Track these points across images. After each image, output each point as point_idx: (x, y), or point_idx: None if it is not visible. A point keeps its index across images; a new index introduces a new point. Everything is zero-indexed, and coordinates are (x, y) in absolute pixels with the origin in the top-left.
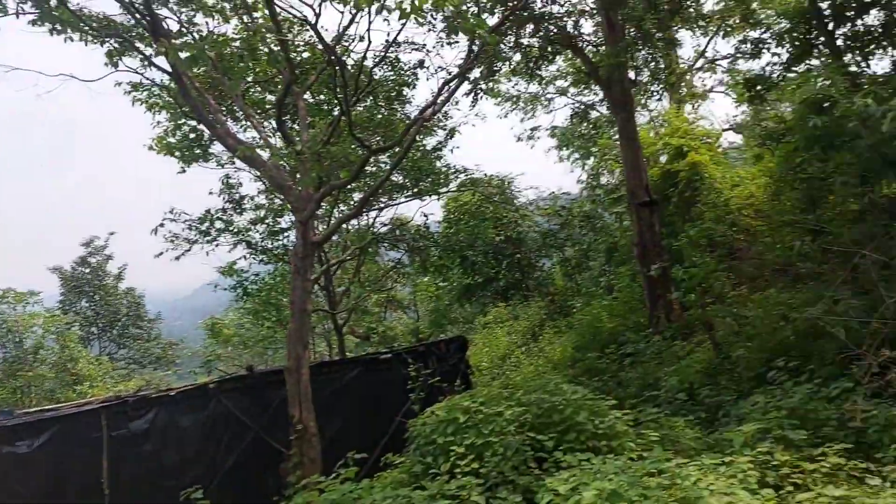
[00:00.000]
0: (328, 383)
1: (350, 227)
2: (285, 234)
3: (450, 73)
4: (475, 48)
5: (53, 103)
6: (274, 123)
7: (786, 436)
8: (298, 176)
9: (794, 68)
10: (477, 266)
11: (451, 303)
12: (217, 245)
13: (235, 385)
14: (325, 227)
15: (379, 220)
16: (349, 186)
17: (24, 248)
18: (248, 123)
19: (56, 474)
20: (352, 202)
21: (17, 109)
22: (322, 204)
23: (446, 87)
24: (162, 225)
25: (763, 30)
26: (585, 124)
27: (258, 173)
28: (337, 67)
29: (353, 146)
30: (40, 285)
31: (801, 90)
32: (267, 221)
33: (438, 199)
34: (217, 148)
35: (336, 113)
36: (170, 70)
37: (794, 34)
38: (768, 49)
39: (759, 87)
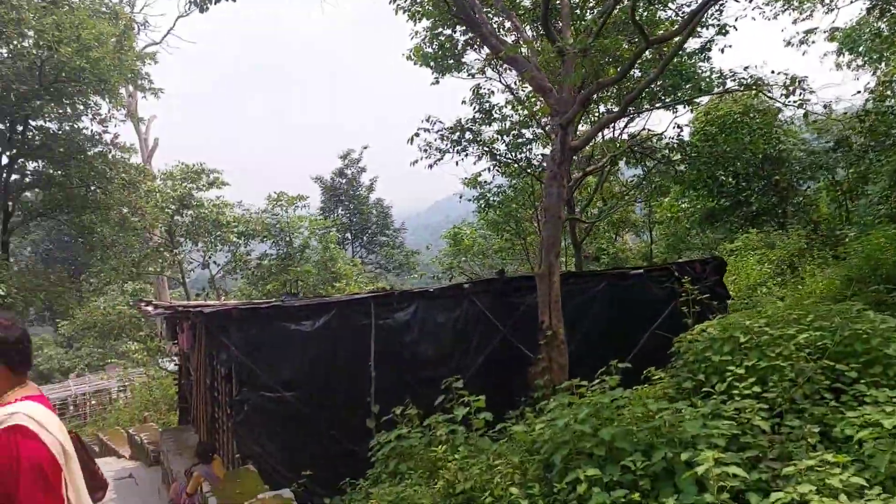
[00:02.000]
0: (574, 294)
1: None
2: (528, 146)
3: None
4: None
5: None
6: (528, 31)
7: None
8: (561, 76)
9: None
10: (725, 188)
11: (691, 227)
12: (466, 155)
13: (486, 288)
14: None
15: (626, 133)
16: (599, 94)
17: (294, 156)
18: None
19: (332, 350)
20: (603, 110)
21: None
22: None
23: None
24: (417, 135)
25: None
26: (886, 19)
27: (506, 84)
28: None
29: (623, 39)
30: (306, 192)
31: None
32: (513, 132)
33: (692, 111)
34: (469, 57)
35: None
36: None
37: None
38: None
39: None
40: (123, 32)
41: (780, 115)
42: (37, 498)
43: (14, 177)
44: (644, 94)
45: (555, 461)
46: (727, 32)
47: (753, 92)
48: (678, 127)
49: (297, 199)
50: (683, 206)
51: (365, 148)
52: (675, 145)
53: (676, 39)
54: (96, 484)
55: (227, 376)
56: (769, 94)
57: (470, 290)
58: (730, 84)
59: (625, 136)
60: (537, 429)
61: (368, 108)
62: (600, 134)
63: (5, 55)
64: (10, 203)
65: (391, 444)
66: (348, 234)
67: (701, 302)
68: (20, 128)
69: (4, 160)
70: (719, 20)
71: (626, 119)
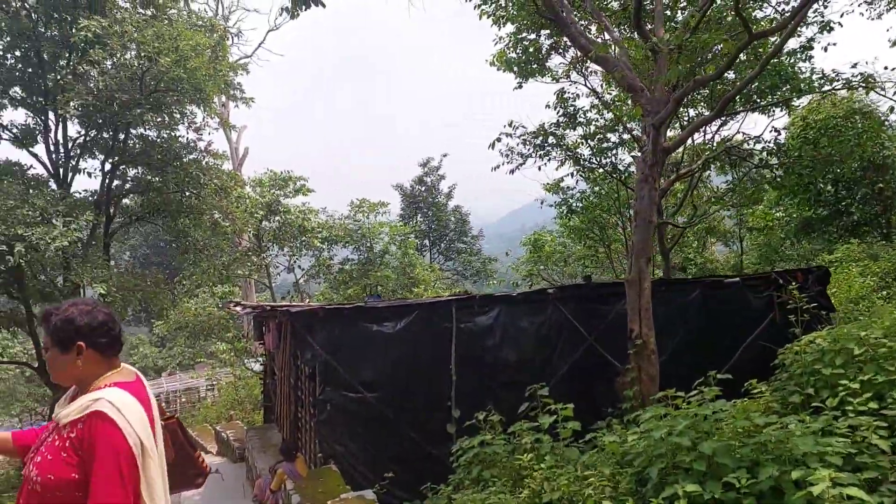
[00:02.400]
0: (665, 302)
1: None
2: (613, 151)
3: None
4: None
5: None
6: (616, 33)
7: None
8: (653, 76)
9: None
10: (823, 196)
11: (785, 237)
12: (549, 160)
13: (572, 294)
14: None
15: (718, 137)
16: (689, 97)
17: (377, 147)
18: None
19: (413, 353)
20: (693, 114)
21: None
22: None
23: None
24: (499, 139)
25: None
26: None
27: (591, 87)
28: None
29: (722, 34)
30: (386, 199)
31: None
32: (598, 136)
33: (789, 114)
34: (553, 62)
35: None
36: None
37: None
38: None
39: None
40: (218, 43)
41: (886, 120)
42: (108, 487)
43: (115, 182)
44: (738, 97)
45: (650, 475)
46: (831, 29)
47: (858, 93)
48: (775, 130)
49: (379, 206)
50: (777, 214)
51: (444, 156)
52: (773, 149)
53: (777, 38)
54: (196, 470)
55: (310, 376)
56: (882, 93)
57: (555, 295)
58: (834, 84)
59: (716, 140)
60: (630, 440)
61: (449, 108)
62: (690, 138)
63: (109, 67)
64: (112, 208)
65: (474, 449)
66: (426, 241)
67: (807, 312)
68: (122, 136)
69: (107, 166)
70: (823, 17)
71: (717, 123)
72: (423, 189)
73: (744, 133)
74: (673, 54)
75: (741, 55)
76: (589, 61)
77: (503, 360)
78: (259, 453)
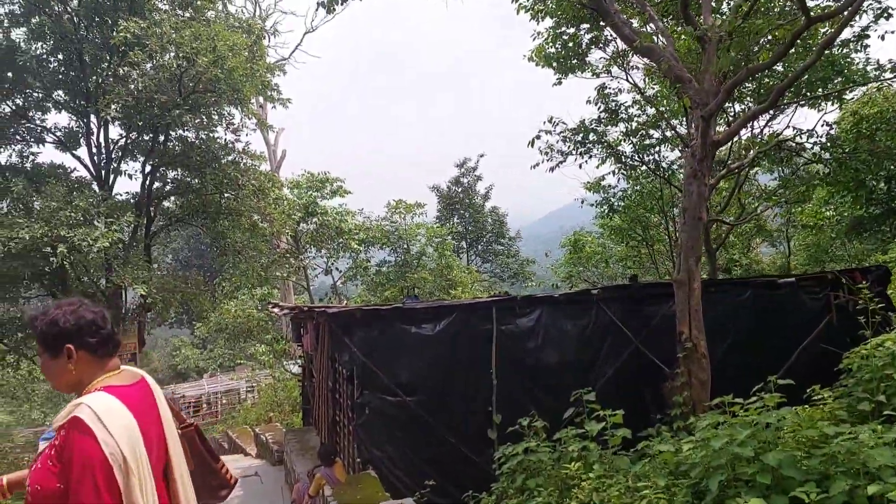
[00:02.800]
0: (715, 304)
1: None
2: (655, 148)
3: None
4: None
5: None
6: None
7: None
8: (702, 66)
9: None
10: (875, 194)
11: (836, 236)
12: (590, 157)
13: (617, 295)
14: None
15: (765, 131)
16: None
17: (408, 166)
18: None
19: (452, 355)
20: (739, 109)
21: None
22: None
23: None
24: (538, 137)
25: None
26: None
27: (632, 82)
28: None
29: (776, 19)
30: (423, 200)
31: None
32: (640, 133)
33: (840, 108)
34: (593, 56)
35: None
36: None
37: None
38: None
39: None
40: (255, 42)
41: None
42: (83, 499)
43: (156, 185)
44: (789, 90)
45: (709, 487)
46: (889, 16)
47: None
48: (827, 125)
49: (415, 207)
50: (828, 213)
51: (481, 156)
52: (826, 144)
53: (829, 27)
54: (218, 482)
55: (348, 378)
56: None
57: (599, 296)
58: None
59: (764, 135)
60: (685, 449)
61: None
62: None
63: (149, 69)
64: (152, 209)
65: (518, 457)
66: (463, 243)
67: (870, 314)
68: (162, 138)
69: (147, 168)
70: (880, 2)
71: (765, 117)
72: (459, 190)
73: (794, 127)
74: (724, 41)
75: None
76: (630, 56)
77: (545, 364)
78: (297, 456)
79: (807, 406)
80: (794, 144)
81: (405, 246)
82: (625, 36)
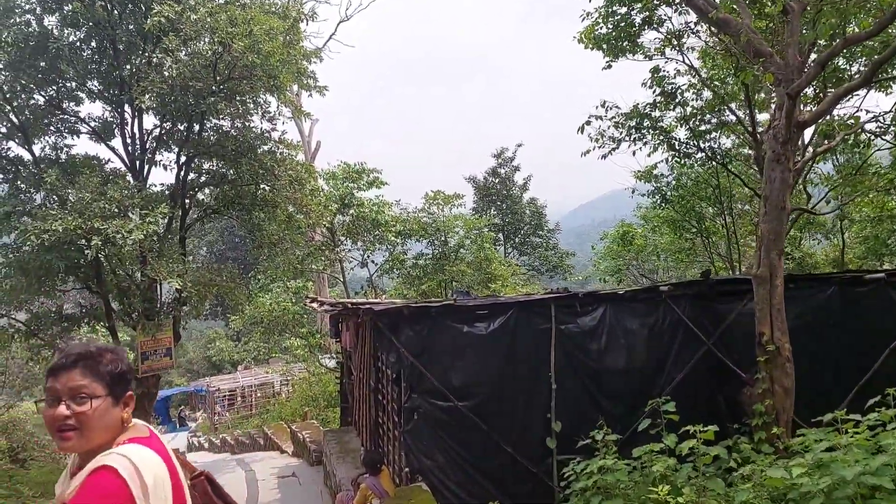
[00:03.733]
0: (793, 301)
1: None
2: (711, 134)
3: None
4: None
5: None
6: None
7: None
8: (785, 39)
9: None
10: None
11: None
12: (644, 144)
13: (686, 292)
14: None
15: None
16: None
17: (447, 155)
18: None
19: (507, 357)
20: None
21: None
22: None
23: None
24: (588, 122)
25: None
26: None
27: (689, 64)
28: None
29: None
30: (458, 192)
31: None
32: (698, 118)
33: None
34: (648, 37)
35: None
36: None
37: None
38: None
39: None
40: (292, 26)
41: None
42: None
43: (191, 175)
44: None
45: None
46: None
47: None
48: None
49: (454, 198)
50: (890, 204)
51: (519, 146)
52: None
53: None
54: None
55: (394, 380)
56: None
57: (668, 293)
58: None
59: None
60: (795, 474)
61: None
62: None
63: (183, 55)
64: (187, 201)
65: (592, 477)
66: (500, 235)
67: None
68: (196, 127)
69: (182, 159)
70: None
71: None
72: (496, 181)
73: (866, 110)
74: (816, 7)
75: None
76: (687, 36)
77: (609, 367)
78: (338, 460)
79: None
80: (875, 128)
81: (443, 238)
82: (696, 6)
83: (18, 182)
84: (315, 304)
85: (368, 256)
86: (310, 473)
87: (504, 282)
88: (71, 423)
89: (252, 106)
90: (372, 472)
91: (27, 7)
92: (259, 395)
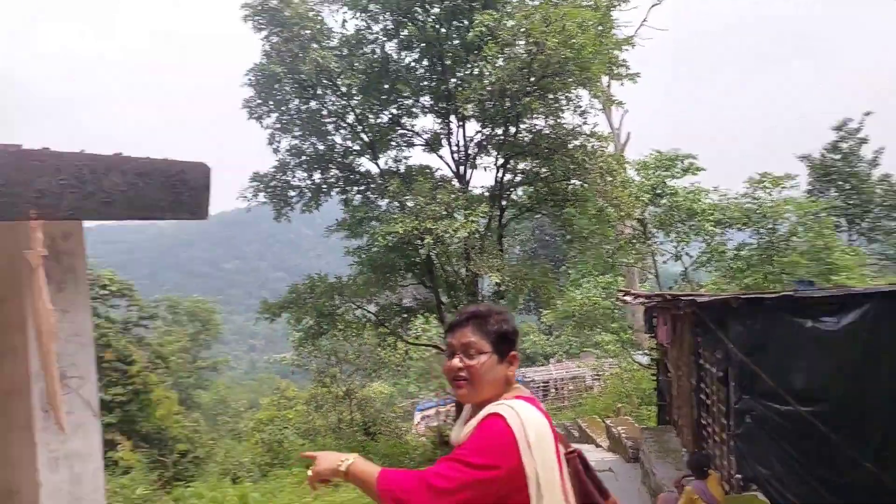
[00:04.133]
0: None
1: None
2: None
3: None
4: None
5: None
6: None
7: None
8: None
9: None
10: None
11: None
12: None
13: None
14: None
15: None
16: None
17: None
18: None
19: (865, 358)
20: None
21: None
22: None
23: None
24: None
25: None
26: None
27: None
28: None
29: None
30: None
31: None
32: None
33: None
34: None
35: None
36: None
37: None
38: None
39: None
40: (604, 15)
41: None
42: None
43: (507, 176)
44: None
45: None
46: None
47: None
48: None
49: (784, 179)
50: None
51: (867, 114)
52: None
53: None
54: None
55: (721, 379)
56: None
57: None
58: None
59: None
60: None
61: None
62: None
63: (500, 62)
64: (504, 200)
65: None
66: (842, 220)
67: None
68: (513, 129)
69: (500, 161)
70: None
71: None
72: (837, 157)
73: None
74: None
75: None
76: None
77: None
78: (657, 459)
79: None
80: None
81: (770, 225)
82: None
83: (368, 192)
84: (629, 298)
85: (683, 249)
86: (626, 470)
87: (849, 273)
88: (463, 375)
89: (564, 102)
90: (698, 476)
91: (371, 38)
92: (571, 388)
